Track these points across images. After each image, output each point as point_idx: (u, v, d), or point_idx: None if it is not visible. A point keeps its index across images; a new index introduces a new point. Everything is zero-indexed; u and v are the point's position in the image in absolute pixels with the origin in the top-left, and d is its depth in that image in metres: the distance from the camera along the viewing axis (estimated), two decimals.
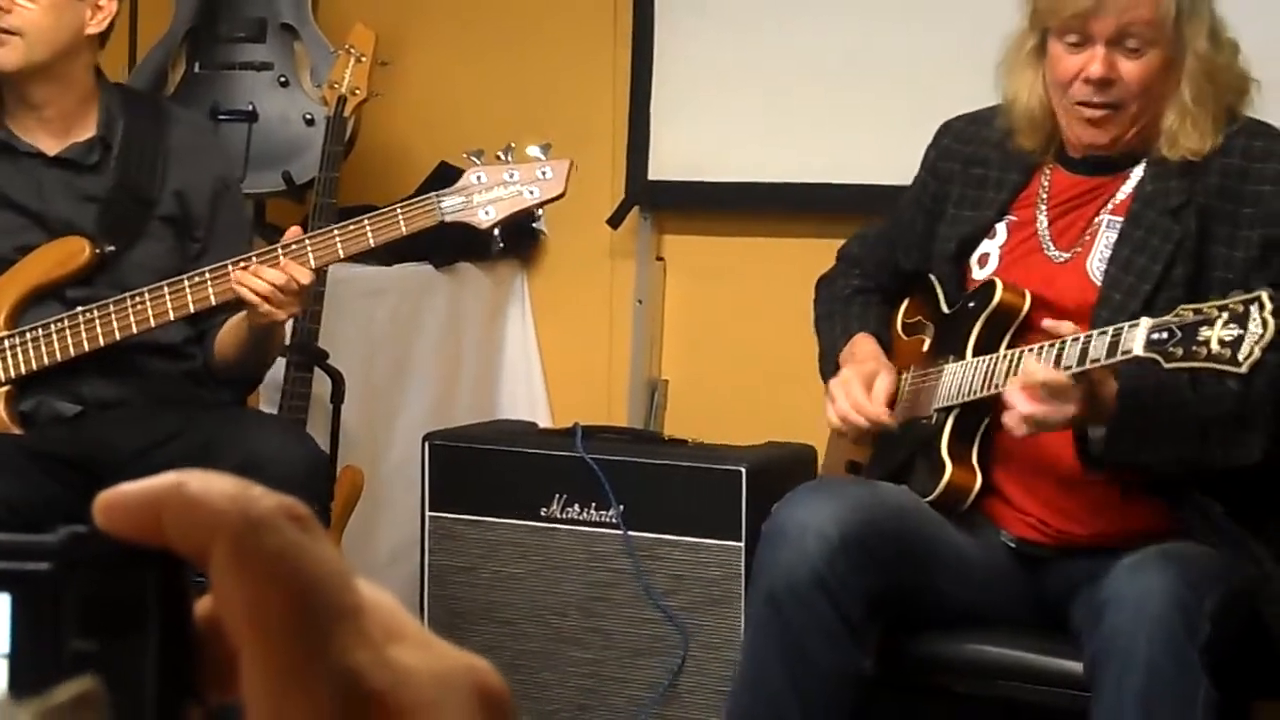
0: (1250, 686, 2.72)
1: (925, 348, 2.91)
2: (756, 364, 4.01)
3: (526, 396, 4.23)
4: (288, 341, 3.35)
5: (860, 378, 2.84)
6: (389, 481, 3.87)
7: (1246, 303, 2.32)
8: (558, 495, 3.55)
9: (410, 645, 0.46)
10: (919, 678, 2.79)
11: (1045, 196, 2.81)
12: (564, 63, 4.29)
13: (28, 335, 3.02)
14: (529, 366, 4.25)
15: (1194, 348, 2.34)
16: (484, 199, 2.91)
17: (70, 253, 3.07)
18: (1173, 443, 2.55)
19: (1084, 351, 2.48)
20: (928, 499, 2.75)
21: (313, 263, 2.91)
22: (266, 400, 3.49)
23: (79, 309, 3.00)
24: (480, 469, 3.62)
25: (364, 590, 0.46)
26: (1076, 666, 2.58)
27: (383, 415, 3.96)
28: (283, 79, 4.08)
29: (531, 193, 2.91)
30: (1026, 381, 2.51)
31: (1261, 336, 2.29)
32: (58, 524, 0.47)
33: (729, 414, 3.98)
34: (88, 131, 3.13)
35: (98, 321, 2.99)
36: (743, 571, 3.29)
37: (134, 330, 2.98)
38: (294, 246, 2.92)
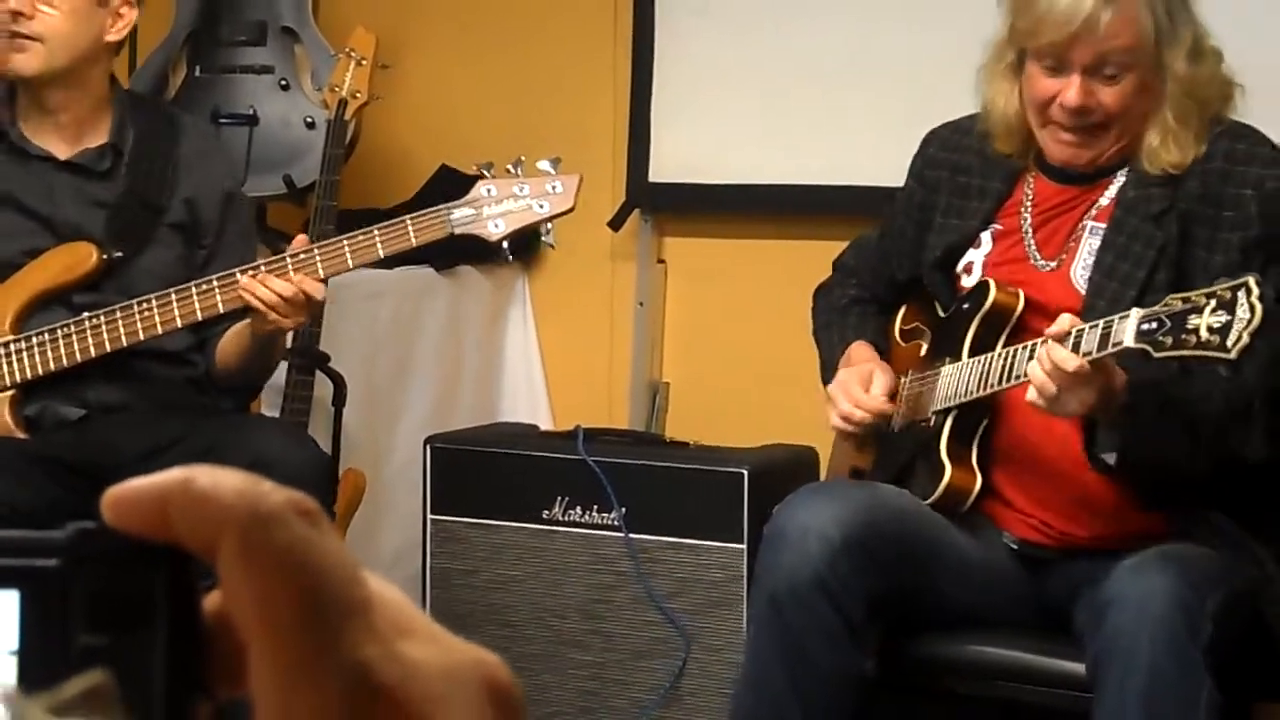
0: (1252, 688, 2.72)
1: (923, 352, 2.91)
2: (757, 366, 4.01)
3: (528, 399, 4.23)
4: (289, 346, 3.35)
5: (857, 377, 2.85)
6: (390, 484, 3.87)
7: (1234, 289, 2.32)
8: (559, 498, 3.55)
9: (419, 640, 0.46)
10: (920, 679, 2.79)
11: (1029, 205, 2.80)
12: (564, 65, 4.29)
13: (34, 340, 3.02)
14: (530, 369, 4.25)
15: (1183, 336, 2.34)
16: (493, 212, 2.92)
17: (78, 258, 3.07)
18: (1181, 436, 2.55)
19: (1076, 345, 2.48)
20: (928, 501, 2.75)
21: (321, 272, 2.92)
22: (268, 404, 3.49)
23: (85, 315, 3.00)
24: (482, 471, 3.62)
25: (372, 585, 0.46)
26: (1078, 668, 2.58)
27: (384, 418, 3.96)
28: (283, 82, 4.08)
29: (541, 206, 2.92)
30: (1056, 366, 2.50)
31: (1249, 322, 2.29)
32: (60, 526, 0.47)
33: (730, 416, 3.98)
34: (100, 137, 3.13)
35: (104, 327, 2.99)
36: (745, 574, 3.29)
37: (140, 337, 2.98)
38: (302, 256, 2.92)
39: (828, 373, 3.00)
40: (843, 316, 3.03)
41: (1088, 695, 2.52)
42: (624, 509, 3.48)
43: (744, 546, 3.34)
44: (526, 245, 4.11)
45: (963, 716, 2.93)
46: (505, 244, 2.94)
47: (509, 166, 2.94)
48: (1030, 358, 2.57)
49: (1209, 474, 2.59)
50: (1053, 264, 2.76)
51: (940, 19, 3.71)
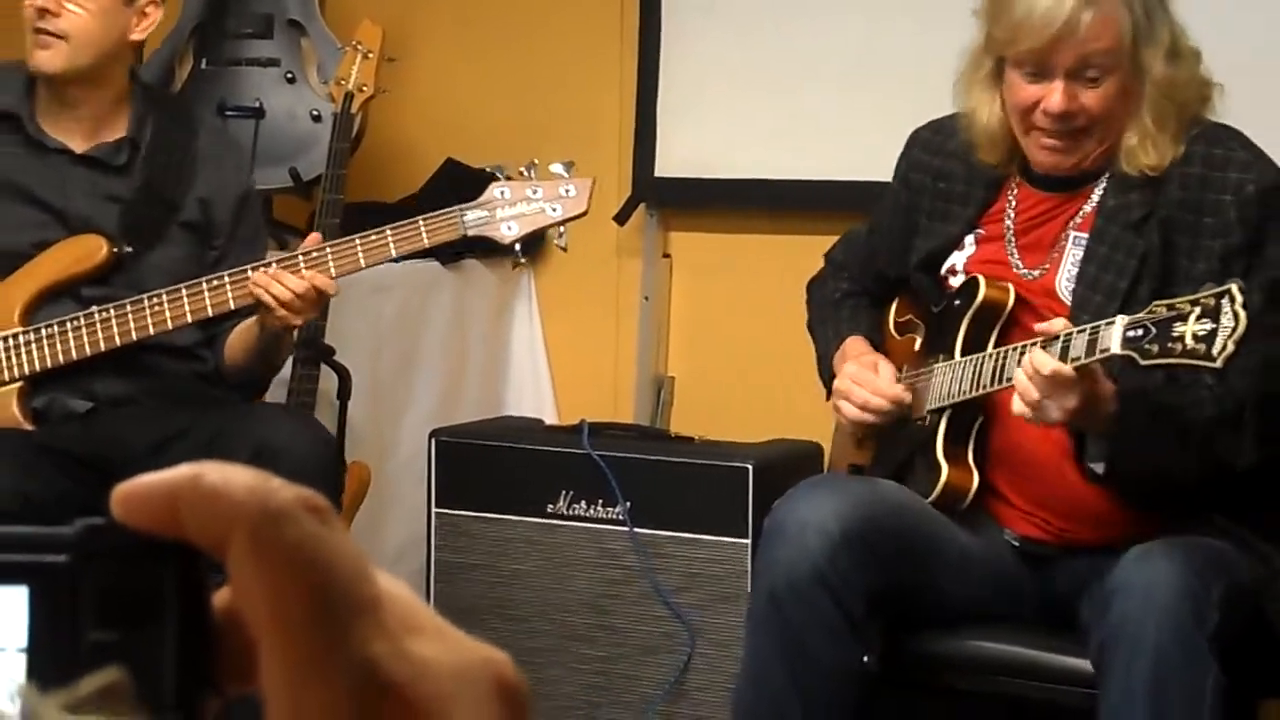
0: (1257, 684, 2.72)
1: (917, 347, 2.91)
2: (763, 361, 4.01)
3: (533, 393, 4.23)
4: (295, 336, 3.35)
5: (866, 369, 2.85)
6: (395, 478, 3.88)
7: (1217, 296, 2.32)
8: (564, 492, 3.55)
9: (428, 637, 0.46)
10: (922, 675, 2.79)
11: (1012, 213, 2.80)
12: (571, 59, 4.29)
13: (43, 332, 3.02)
14: (535, 363, 4.25)
15: (1169, 344, 2.34)
16: (507, 214, 2.92)
17: (88, 250, 3.07)
18: (1171, 444, 2.54)
19: (1064, 349, 2.48)
20: (927, 500, 2.75)
21: (333, 271, 2.92)
22: (273, 397, 3.48)
23: (95, 309, 3.00)
24: (487, 466, 3.62)
25: (381, 582, 0.46)
26: (1081, 663, 2.58)
27: (389, 412, 3.96)
28: (290, 75, 4.08)
29: (554, 210, 2.93)
30: (1036, 370, 2.50)
31: (1234, 330, 2.29)
32: (69, 518, 0.47)
33: (735, 411, 3.98)
34: (118, 132, 3.13)
35: (114, 321, 2.99)
36: (749, 568, 3.29)
37: (150, 332, 2.99)
38: (315, 255, 2.93)
39: (823, 368, 3.00)
40: (836, 310, 3.03)
41: (1091, 691, 2.53)
42: (629, 503, 3.48)
43: (748, 541, 3.34)
44: (533, 240, 4.12)
45: (964, 712, 2.94)
46: (518, 246, 2.95)
47: (522, 169, 2.95)
48: (1019, 363, 2.57)
49: (1198, 481, 2.59)
50: (1036, 273, 2.75)
51: (946, 15, 3.70)
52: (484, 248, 3.95)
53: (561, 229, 2.95)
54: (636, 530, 3.48)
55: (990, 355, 2.69)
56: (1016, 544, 2.76)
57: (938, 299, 2.85)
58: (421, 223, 2.94)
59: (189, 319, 2.98)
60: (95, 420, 3.05)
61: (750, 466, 3.40)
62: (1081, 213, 2.73)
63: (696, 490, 3.44)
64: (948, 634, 2.75)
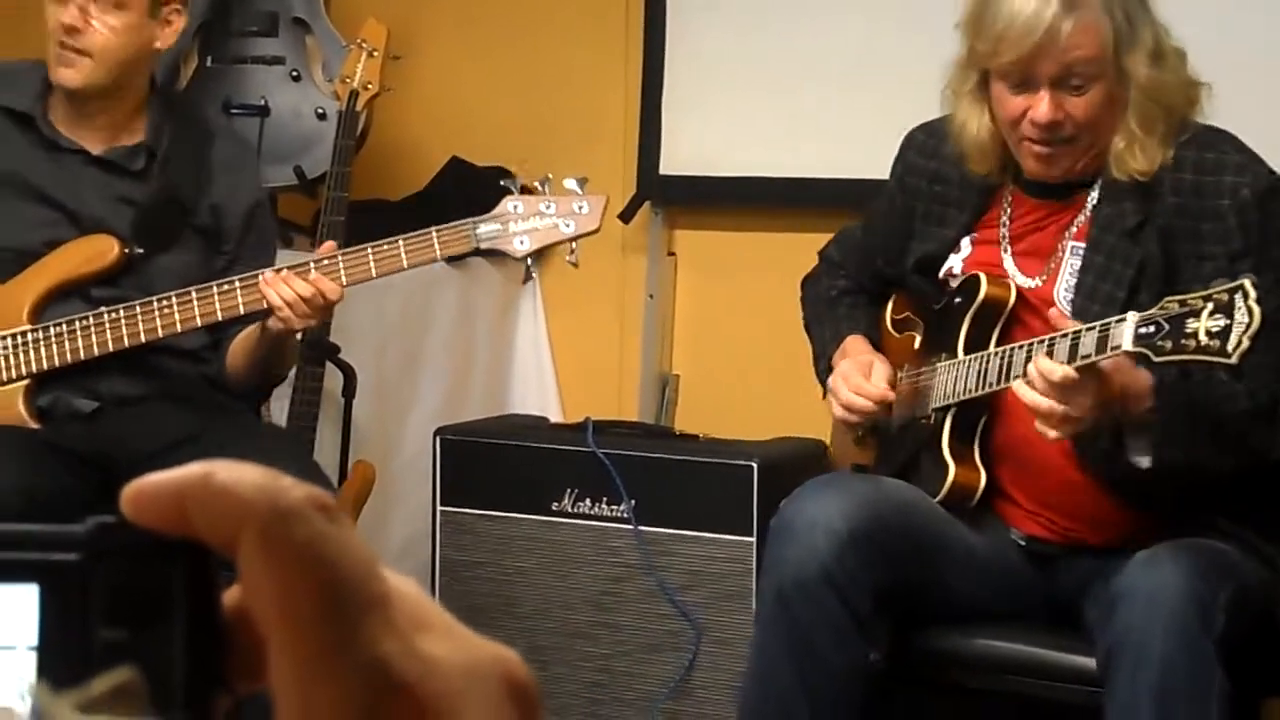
0: (1261, 685, 2.72)
1: (916, 345, 2.91)
2: (767, 359, 4.01)
3: (538, 391, 4.23)
4: (300, 336, 3.35)
5: (857, 368, 2.85)
6: (400, 476, 3.88)
7: (1231, 292, 2.31)
8: (569, 490, 3.55)
9: (437, 635, 0.46)
10: (930, 673, 2.79)
11: (1007, 219, 2.79)
12: (576, 57, 4.29)
13: (51, 331, 3.02)
14: (540, 361, 4.25)
15: (1182, 340, 2.33)
16: (519, 229, 2.93)
17: (99, 250, 3.07)
18: (1208, 437, 2.53)
19: (1074, 347, 2.48)
20: (935, 499, 2.75)
21: (344, 280, 2.92)
22: (278, 394, 3.49)
23: (104, 309, 3.00)
24: (491, 463, 3.62)
25: (391, 580, 0.46)
26: (1088, 662, 2.58)
27: (394, 410, 3.96)
28: (295, 73, 4.09)
29: (567, 226, 2.93)
30: (1044, 377, 2.49)
31: (1249, 326, 2.28)
32: (75, 514, 0.47)
33: (740, 409, 3.98)
34: (135, 136, 3.13)
35: (123, 323, 2.99)
36: (754, 566, 3.29)
37: (159, 334, 2.99)
38: (326, 262, 2.93)
39: (820, 366, 3.00)
40: (832, 308, 3.03)
41: (1098, 690, 2.52)
42: (633, 501, 3.48)
43: (753, 539, 3.34)
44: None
45: (971, 711, 2.93)
46: (529, 261, 2.95)
47: (536, 183, 2.95)
48: (1027, 358, 2.57)
49: (1231, 474, 2.59)
50: (1034, 282, 2.74)
51: (949, 13, 3.70)
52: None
53: (573, 245, 2.95)
54: (641, 528, 3.48)
55: (995, 354, 2.69)
56: (1023, 543, 2.76)
57: (937, 298, 2.85)
58: (434, 234, 2.94)
59: (198, 322, 2.98)
60: (100, 420, 3.05)
61: (755, 464, 3.40)
62: (1076, 222, 2.72)
63: (701, 488, 3.44)
64: (955, 632, 2.75)
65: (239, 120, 3.99)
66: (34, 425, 3.01)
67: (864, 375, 2.85)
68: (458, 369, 4.11)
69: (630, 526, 3.49)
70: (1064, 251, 2.72)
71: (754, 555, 3.31)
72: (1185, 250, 2.60)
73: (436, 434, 3.68)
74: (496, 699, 0.46)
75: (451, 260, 4.02)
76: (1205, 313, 2.32)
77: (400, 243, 2.94)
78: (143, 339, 2.99)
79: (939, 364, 2.82)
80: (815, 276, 3.12)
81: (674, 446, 3.58)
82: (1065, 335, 2.50)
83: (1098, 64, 2.59)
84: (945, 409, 2.78)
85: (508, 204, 2.94)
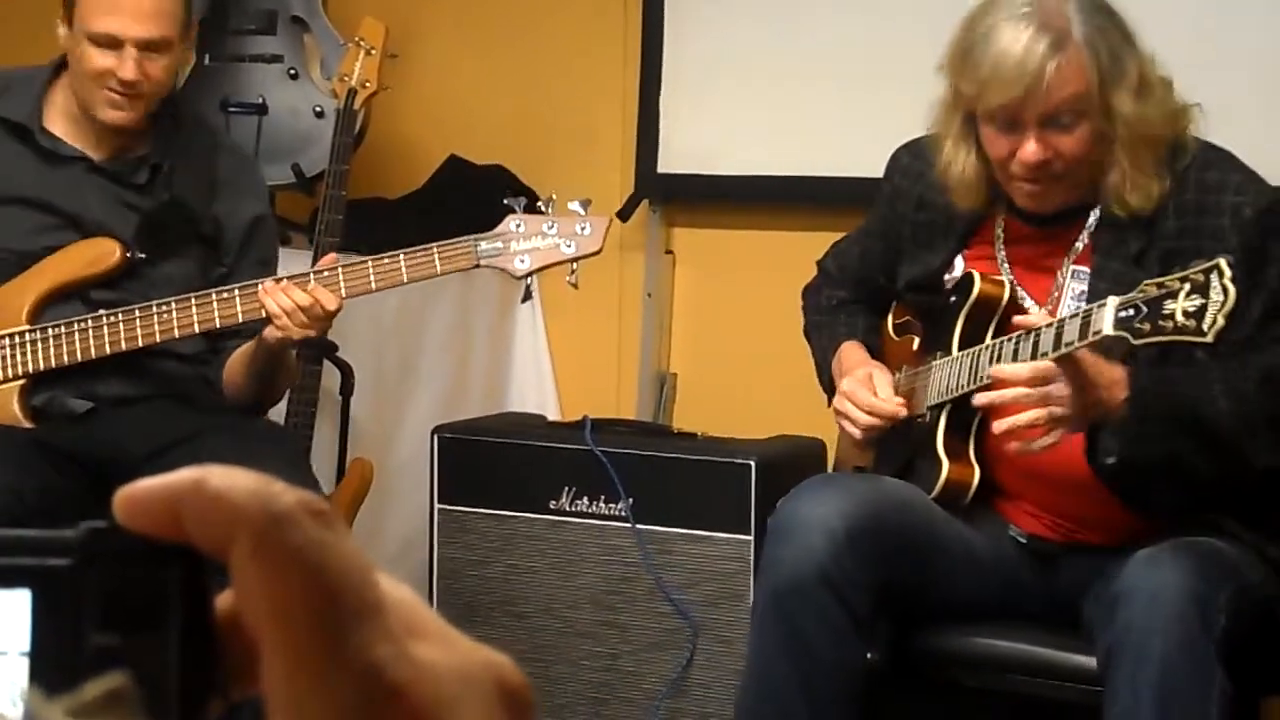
0: (1261, 684, 2.72)
1: (915, 347, 2.91)
2: (765, 357, 4.01)
3: (536, 389, 4.23)
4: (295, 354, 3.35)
5: (861, 384, 2.84)
6: (398, 474, 3.88)
7: (1206, 272, 2.32)
8: (567, 488, 3.55)
9: (431, 641, 0.46)
10: (928, 672, 2.79)
11: (1001, 240, 2.79)
12: (574, 56, 4.29)
13: (49, 332, 3.02)
14: (538, 359, 4.25)
15: (1160, 321, 2.34)
16: (521, 248, 2.93)
17: (100, 253, 3.07)
18: (1187, 438, 2.54)
19: (1058, 336, 2.48)
20: (929, 497, 2.75)
21: (344, 291, 2.92)
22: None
23: (103, 312, 3.01)
24: (489, 462, 3.62)
25: (385, 586, 0.46)
26: (1088, 661, 2.58)
27: (392, 408, 3.96)
28: (292, 71, 4.08)
29: (569, 246, 2.93)
30: (1000, 377, 2.50)
31: (1223, 304, 2.29)
32: (65, 514, 0.47)
33: (738, 407, 3.98)
34: (140, 148, 3.13)
35: (121, 326, 2.99)
36: (752, 565, 3.30)
37: (156, 339, 2.99)
38: (326, 274, 2.93)
39: (822, 374, 3.01)
40: (832, 316, 3.04)
41: (1097, 689, 2.52)
42: (631, 500, 3.48)
43: (751, 538, 3.34)
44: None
45: (970, 710, 2.93)
46: (529, 281, 2.96)
47: (540, 203, 2.95)
48: (1016, 352, 2.57)
49: (1214, 481, 2.59)
50: (1040, 309, 2.74)
51: (952, 11, 3.70)
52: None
53: (573, 266, 2.95)
54: (639, 526, 3.48)
55: (986, 348, 2.69)
56: (1023, 541, 2.76)
57: (934, 299, 2.85)
58: (436, 250, 2.94)
59: (196, 329, 2.98)
60: (94, 421, 3.05)
61: (753, 463, 3.40)
62: (1077, 244, 2.72)
63: (699, 486, 3.44)
64: (953, 631, 2.75)
65: (237, 119, 3.99)
66: (27, 425, 3.01)
67: (869, 390, 2.84)
68: (456, 367, 4.11)
69: (628, 525, 3.49)
70: (1066, 275, 2.72)
71: (752, 554, 3.31)
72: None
73: (434, 432, 3.68)
74: (490, 704, 0.46)
75: None
76: (1182, 293, 2.33)
77: (401, 257, 2.94)
78: (140, 343, 2.99)
79: (934, 362, 2.82)
80: (815, 286, 3.12)
81: (672, 445, 3.58)
82: (1050, 325, 2.51)
83: (1084, 101, 2.59)
84: (940, 406, 2.78)
85: (510, 223, 2.94)
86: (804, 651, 2.60)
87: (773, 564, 2.64)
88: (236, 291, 2.96)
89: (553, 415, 4.09)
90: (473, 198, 3.95)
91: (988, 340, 2.72)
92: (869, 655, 2.66)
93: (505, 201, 2.97)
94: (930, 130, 2.79)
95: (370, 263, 2.95)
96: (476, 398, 4.11)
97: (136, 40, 3.01)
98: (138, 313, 2.99)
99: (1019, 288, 2.77)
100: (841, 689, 2.62)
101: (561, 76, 4.30)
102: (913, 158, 2.87)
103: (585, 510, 3.53)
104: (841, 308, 3.04)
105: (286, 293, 2.89)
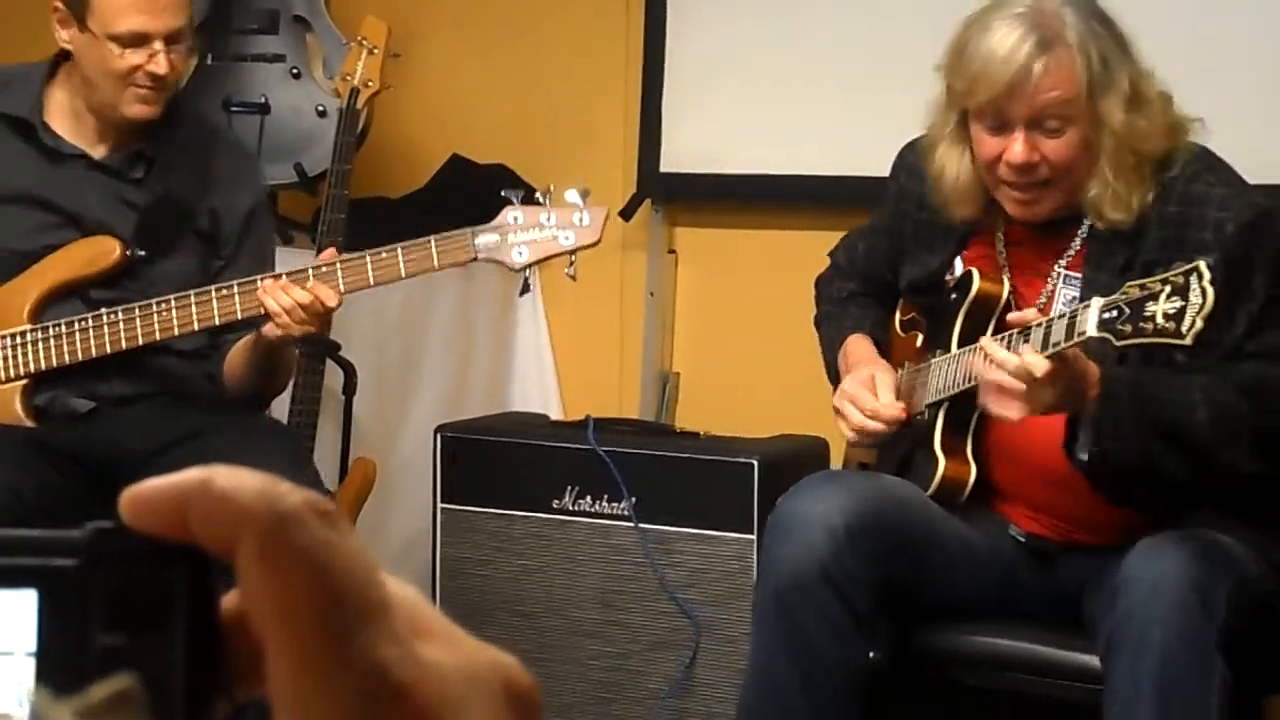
0: (1264, 681, 2.72)
1: (919, 343, 2.91)
2: (768, 356, 4.01)
3: (538, 389, 4.23)
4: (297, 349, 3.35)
5: (862, 385, 2.84)
6: (401, 473, 3.88)
7: (1186, 274, 2.33)
8: (569, 487, 3.55)
9: (437, 641, 0.46)
10: (929, 670, 2.79)
11: (1003, 246, 2.79)
12: (576, 55, 4.29)
13: (50, 331, 3.02)
14: (540, 359, 4.25)
15: (1141, 323, 2.35)
16: (518, 239, 2.92)
17: (101, 251, 3.07)
18: (1162, 437, 2.54)
19: (1046, 335, 2.49)
20: (926, 494, 2.75)
21: (342, 287, 2.92)
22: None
23: (103, 310, 3.01)
24: (492, 461, 3.62)
25: (390, 586, 0.46)
26: (1089, 660, 2.59)
27: (394, 407, 3.96)
28: (295, 71, 4.09)
29: (567, 238, 2.92)
30: (996, 364, 2.51)
31: (1201, 307, 2.30)
32: (65, 514, 0.47)
33: (740, 406, 3.98)
34: (136, 142, 3.14)
35: (121, 324, 2.99)
36: (755, 563, 3.29)
37: (157, 336, 2.99)
38: (324, 269, 2.93)
39: (828, 365, 3.01)
40: (842, 308, 3.04)
41: (1097, 687, 2.53)
42: (634, 499, 3.48)
43: (754, 537, 3.34)
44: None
45: (971, 708, 2.93)
46: (527, 273, 2.94)
47: (538, 195, 2.94)
48: (1008, 349, 2.57)
49: (1193, 483, 2.58)
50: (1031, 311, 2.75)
51: (954, 8, 3.70)
52: None
53: (572, 258, 2.95)
54: (642, 525, 3.48)
55: (980, 347, 2.69)
56: (1023, 540, 2.76)
57: (936, 297, 2.86)
58: (433, 243, 2.93)
59: (196, 326, 2.98)
60: (95, 421, 3.05)
61: (756, 462, 3.40)
62: (1069, 250, 2.71)
63: (702, 486, 3.44)
64: (955, 629, 2.75)
65: (239, 118, 3.99)
66: (29, 424, 3.01)
67: (869, 392, 2.83)
68: (458, 366, 4.11)
69: (631, 524, 3.49)
70: (1058, 280, 2.72)
71: (754, 552, 3.31)
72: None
73: (437, 431, 3.68)
74: (497, 704, 0.46)
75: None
76: (1163, 295, 2.34)
77: (399, 251, 2.94)
78: (140, 341, 2.99)
79: (933, 360, 2.82)
80: (827, 277, 3.12)
81: (674, 444, 3.58)
82: (1040, 324, 2.52)
83: (1072, 106, 2.58)
84: (938, 404, 2.79)
85: (508, 214, 2.93)
86: (805, 649, 2.60)
87: (773, 562, 2.64)
88: (236, 288, 2.96)
89: (555, 414, 4.09)
90: (475, 197, 3.94)
91: (988, 337, 2.72)
92: (870, 654, 2.66)
93: (503, 193, 2.97)
94: (926, 130, 2.79)
95: (368, 257, 2.94)
96: (479, 397, 4.12)
97: (164, 34, 3.02)
98: (138, 311, 2.99)
99: (1015, 288, 2.78)
100: (843, 687, 2.62)
101: (564, 76, 4.30)
102: (918, 156, 2.88)
103: (588, 509, 3.53)
104: (851, 300, 3.04)
105: (286, 291, 2.89)
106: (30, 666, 0.45)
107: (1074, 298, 2.67)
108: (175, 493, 0.46)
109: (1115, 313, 2.38)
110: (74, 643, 0.45)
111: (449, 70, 4.40)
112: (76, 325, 3.01)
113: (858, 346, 2.95)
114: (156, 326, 2.98)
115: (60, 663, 0.45)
